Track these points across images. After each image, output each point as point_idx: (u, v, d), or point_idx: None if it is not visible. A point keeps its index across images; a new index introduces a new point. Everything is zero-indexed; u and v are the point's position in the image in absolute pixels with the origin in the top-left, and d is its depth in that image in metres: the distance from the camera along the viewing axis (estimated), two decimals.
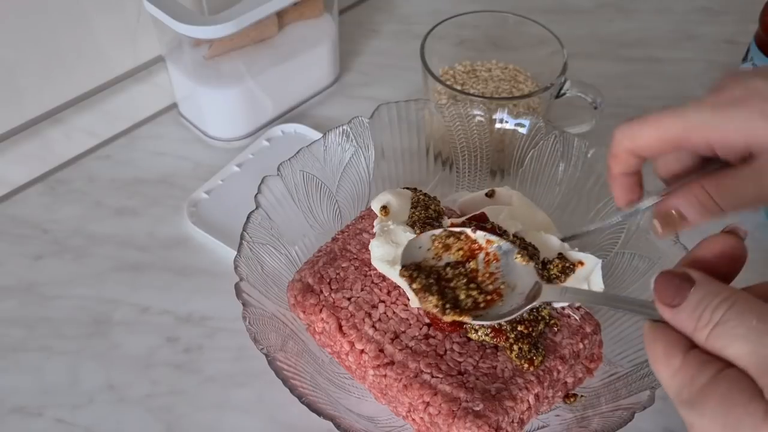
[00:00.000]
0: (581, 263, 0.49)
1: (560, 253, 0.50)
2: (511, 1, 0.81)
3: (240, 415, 0.54)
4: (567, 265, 0.49)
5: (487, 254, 0.48)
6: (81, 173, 0.70)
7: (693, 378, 0.30)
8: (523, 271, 0.46)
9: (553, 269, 0.49)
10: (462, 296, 0.46)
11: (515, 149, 0.63)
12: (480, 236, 0.48)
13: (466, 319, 0.45)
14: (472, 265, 0.48)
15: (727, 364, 0.30)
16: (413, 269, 0.47)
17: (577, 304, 0.50)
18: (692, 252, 0.34)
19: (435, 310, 0.45)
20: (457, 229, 0.49)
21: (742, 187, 0.38)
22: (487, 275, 0.47)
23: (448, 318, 0.45)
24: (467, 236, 0.49)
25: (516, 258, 0.47)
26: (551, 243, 0.51)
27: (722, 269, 0.33)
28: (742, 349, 0.29)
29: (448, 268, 0.48)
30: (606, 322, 0.52)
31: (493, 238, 0.48)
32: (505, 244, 0.48)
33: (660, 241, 0.53)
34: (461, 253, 0.48)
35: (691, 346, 0.31)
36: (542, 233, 0.51)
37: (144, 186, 0.69)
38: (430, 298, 0.45)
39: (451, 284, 0.47)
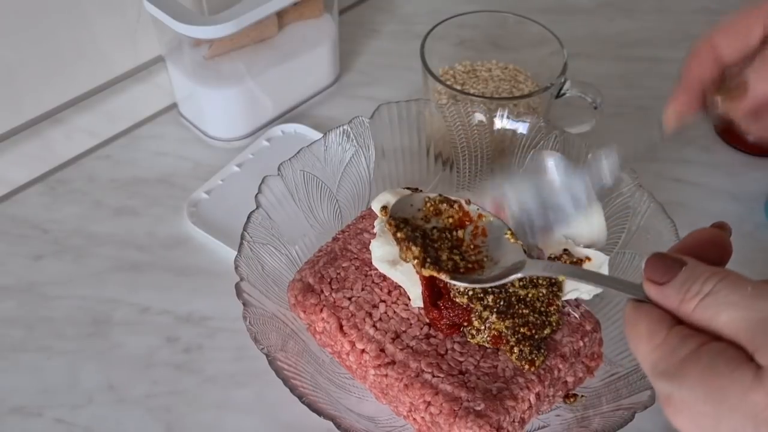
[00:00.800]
0: (588, 259, 0.48)
1: (566, 249, 0.49)
2: (511, 1, 0.80)
3: (240, 415, 0.54)
4: (574, 261, 0.48)
5: (476, 227, 0.48)
6: (81, 173, 0.70)
7: (674, 350, 0.29)
8: (509, 248, 0.46)
9: None
10: (444, 257, 0.46)
11: (515, 149, 0.62)
12: (473, 209, 0.48)
13: (443, 276, 0.44)
14: (459, 234, 0.48)
15: (712, 338, 0.29)
16: (400, 220, 0.47)
17: (576, 302, 0.50)
18: (680, 242, 0.34)
19: (414, 262, 0.45)
20: (453, 197, 0.49)
21: None
22: (472, 247, 0.47)
23: (426, 272, 0.44)
24: (461, 206, 0.49)
25: (506, 234, 0.46)
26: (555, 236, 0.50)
27: (710, 257, 0.32)
28: (731, 315, 0.28)
29: (434, 231, 0.48)
30: (606, 322, 0.52)
31: (485, 213, 0.48)
32: (496, 221, 0.47)
33: (661, 241, 0.53)
34: (451, 220, 0.48)
35: (676, 323, 0.30)
36: None
37: (144, 186, 0.69)
38: (413, 248, 0.45)
39: (435, 245, 0.47)
